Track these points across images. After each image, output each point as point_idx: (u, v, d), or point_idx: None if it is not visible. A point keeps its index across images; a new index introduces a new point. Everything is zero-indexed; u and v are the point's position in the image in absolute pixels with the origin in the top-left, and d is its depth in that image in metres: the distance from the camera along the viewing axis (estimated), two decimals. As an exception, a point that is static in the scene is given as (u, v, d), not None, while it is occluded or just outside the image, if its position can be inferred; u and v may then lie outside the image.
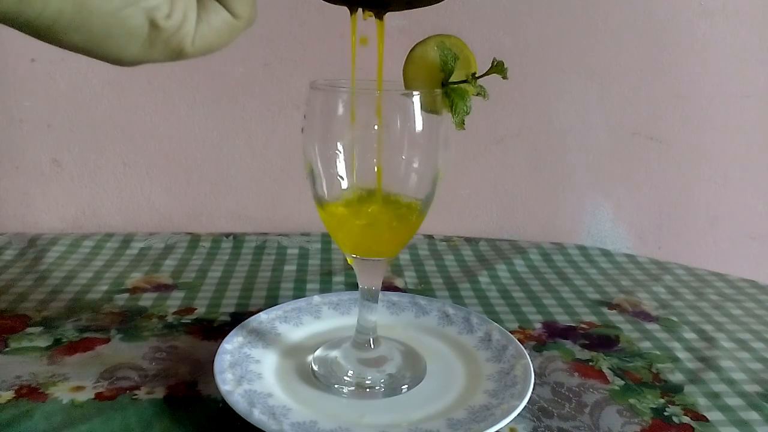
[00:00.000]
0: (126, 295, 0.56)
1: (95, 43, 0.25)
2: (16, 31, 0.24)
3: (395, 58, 0.38)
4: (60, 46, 0.25)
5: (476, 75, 0.37)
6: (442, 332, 0.49)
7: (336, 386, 0.41)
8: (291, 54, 0.72)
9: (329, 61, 0.70)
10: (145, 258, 0.65)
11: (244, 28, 0.29)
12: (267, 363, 0.43)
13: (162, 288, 0.58)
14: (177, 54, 0.27)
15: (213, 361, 0.41)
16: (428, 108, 0.38)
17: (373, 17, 0.38)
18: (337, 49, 0.59)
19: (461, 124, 0.37)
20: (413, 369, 0.44)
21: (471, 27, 0.73)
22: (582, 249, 0.72)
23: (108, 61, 0.26)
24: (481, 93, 0.37)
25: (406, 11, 0.38)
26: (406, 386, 0.42)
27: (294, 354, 0.45)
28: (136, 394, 0.41)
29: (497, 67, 0.36)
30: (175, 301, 0.55)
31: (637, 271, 0.67)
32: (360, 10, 0.38)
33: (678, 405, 0.42)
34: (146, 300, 0.55)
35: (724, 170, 0.80)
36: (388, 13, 0.38)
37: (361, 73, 0.39)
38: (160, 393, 0.41)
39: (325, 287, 0.59)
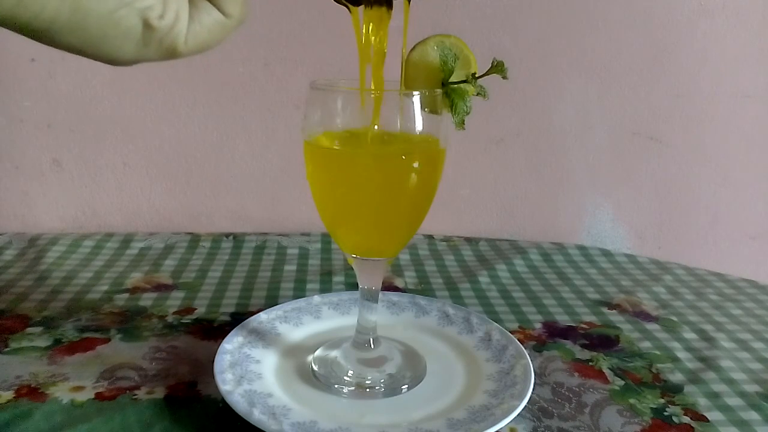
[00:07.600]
0: (126, 295, 0.56)
1: (91, 43, 0.25)
2: (16, 32, 0.25)
3: (395, 57, 0.38)
4: (57, 47, 0.26)
5: (476, 75, 0.37)
6: (442, 332, 0.49)
7: (336, 386, 0.41)
8: (291, 54, 0.72)
9: (329, 61, 0.70)
10: (145, 258, 0.65)
11: (236, 26, 0.29)
12: (267, 363, 0.43)
13: (162, 288, 0.58)
14: (170, 53, 0.27)
15: (213, 361, 0.41)
16: (428, 108, 0.38)
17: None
18: (337, 49, 0.59)
19: (461, 124, 0.37)
20: (413, 369, 0.44)
21: (471, 27, 0.73)
22: (582, 249, 0.72)
23: (103, 61, 0.27)
24: (481, 93, 0.37)
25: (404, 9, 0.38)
26: (406, 386, 0.42)
27: (294, 354, 0.45)
28: (136, 394, 0.41)
29: (497, 67, 0.36)
30: (175, 301, 0.55)
31: (637, 271, 0.67)
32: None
33: (678, 405, 0.42)
34: (146, 300, 0.55)
35: (724, 170, 0.80)
36: (389, 12, 0.38)
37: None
38: (160, 393, 0.41)
39: (325, 287, 0.59)
